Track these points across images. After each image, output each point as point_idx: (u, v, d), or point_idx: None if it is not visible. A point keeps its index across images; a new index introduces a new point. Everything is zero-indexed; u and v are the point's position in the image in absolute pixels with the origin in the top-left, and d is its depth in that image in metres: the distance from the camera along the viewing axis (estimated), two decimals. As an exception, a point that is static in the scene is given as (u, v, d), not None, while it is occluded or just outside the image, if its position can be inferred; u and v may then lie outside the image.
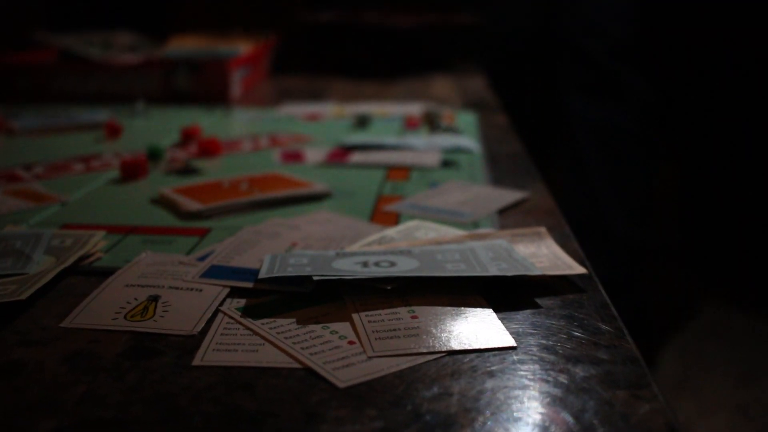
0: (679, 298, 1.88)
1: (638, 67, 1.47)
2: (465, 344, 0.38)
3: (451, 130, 0.91)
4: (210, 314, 0.42)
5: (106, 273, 0.47)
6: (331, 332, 0.39)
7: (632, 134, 1.49)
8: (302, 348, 0.38)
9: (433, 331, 0.39)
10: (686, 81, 1.70)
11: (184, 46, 1.28)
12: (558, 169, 1.58)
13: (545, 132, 1.66)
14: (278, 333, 0.39)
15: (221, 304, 0.43)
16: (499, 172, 0.75)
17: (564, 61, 1.52)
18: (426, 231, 0.54)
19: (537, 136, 1.65)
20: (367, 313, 0.41)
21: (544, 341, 0.39)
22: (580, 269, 0.48)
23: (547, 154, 1.62)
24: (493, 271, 0.45)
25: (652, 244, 1.63)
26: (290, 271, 0.44)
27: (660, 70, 1.54)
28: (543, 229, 0.53)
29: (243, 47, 1.25)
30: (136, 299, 0.43)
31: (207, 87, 1.12)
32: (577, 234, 1.44)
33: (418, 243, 0.50)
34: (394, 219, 0.59)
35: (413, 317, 0.41)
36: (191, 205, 0.59)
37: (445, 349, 0.38)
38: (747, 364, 1.64)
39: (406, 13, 1.70)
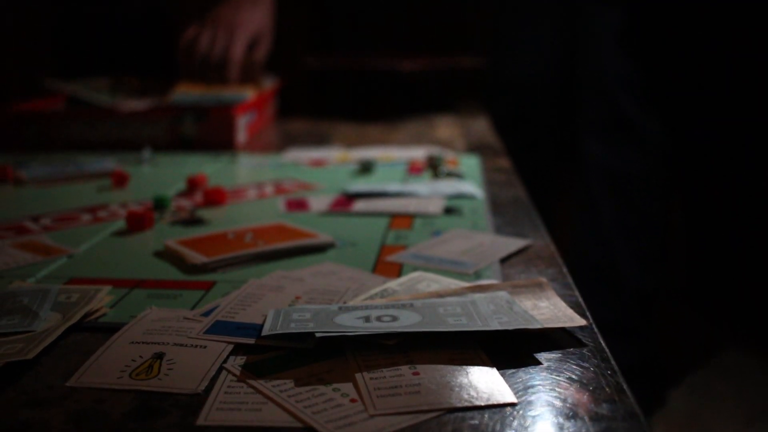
0: (690, 340, 1.88)
1: (652, 112, 1.48)
2: (466, 401, 0.39)
3: (455, 174, 0.92)
4: (214, 372, 0.42)
5: (112, 329, 0.48)
6: (333, 389, 0.40)
7: (645, 179, 1.50)
8: (305, 407, 0.38)
9: (435, 388, 0.40)
10: (699, 127, 1.71)
11: (190, 91, 1.29)
12: (570, 212, 1.58)
13: (558, 175, 1.67)
14: (281, 391, 0.40)
15: (225, 360, 0.44)
16: (502, 219, 0.76)
17: (579, 104, 1.53)
18: (428, 283, 0.54)
19: (549, 178, 1.66)
20: (369, 370, 0.41)
21: (545, 396, 0.40)
22: (581, 321, 0.48)
23: (559, 197, 1.63)
24: (494, 325, 0.45)
25: (663, 288, 1.63)
26: (293, 328, 0.45)
27: (673, 116, 1.55)
28: (544, 281, 0.54)
29: (249, 93, 1.26)
30: (141, 357, 0.44)
31: (213, 133, 1.13)
32: (587, 277, 1.45)
33: (421, 296, 0.51)
34: (397, 269, 0.59)
35: (415, 373, 0.41)
36: (196, 257, 0.60)
37: (446, 406, 0.38)
38: (757, 402, 1.63)
39: (411, 57, 1.72)
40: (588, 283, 1.50)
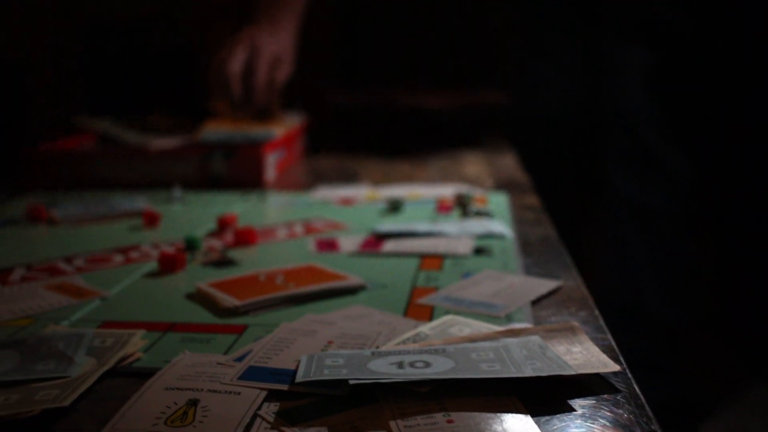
0: (721, 375, 1.86)
1: (677, 145, 1.48)
2: (501, 451, 0.38)
3: (483, 213, 0.92)
4: (248, 419, 0.42)
5: (146, 374, 0.48)
6: (367, 438, 0.40)
7: (671, 212, 1.49)
8: (339, 456, 0.38)
9: (469, 437, 0.40)
10: (724, 158, 1.70)
11: (219, 128, 1.30)
12: (596, 246, 1.58)
13: (583, 208, 1.66)
14: (316, 440, 0.40)
15: (259, 407, 0.44)
16: (532, 259, 0.76)
17: (603, 137, 1.53)
18: (460, 327, 0.54)
19: (575, 212, 1.65)
20: (403, 417, 0.41)
21: (579, 446, 0.40)
22: (614, 367, 0.48)
23: (585, 231, 1.62)
24: (527, 371, 0.45)
25: (692, 322, 1.61)
26: (327, 374, 0.45)
27: (698, 149, 1.55)
28: (576, 325, 0.53)
29: (277, 130, 1.27)
30: (175, 403, 0.44)
31: (242, 171, 1.14)
32: (614, 312, 1.44)
33: (453, 341, 0.51)
34: (429, 312, 0.59)
35: (449, 421, 0.41)
36: (229, 301, 0.61)
37: (481, 456, 0.38)
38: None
39: (436, 92, 1.73)
40: (615, 318, 1.48)
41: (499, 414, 0.42)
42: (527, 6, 1.64)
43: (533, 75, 1.65)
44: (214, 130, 1.27)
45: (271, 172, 1.18)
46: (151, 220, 0.91)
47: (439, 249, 0.77)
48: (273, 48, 1.31)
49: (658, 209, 1.50)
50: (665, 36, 1.46)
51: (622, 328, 1.46)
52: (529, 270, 0.72)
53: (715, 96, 1.59)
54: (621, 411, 0.44)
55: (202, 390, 0.46)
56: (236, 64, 1.27)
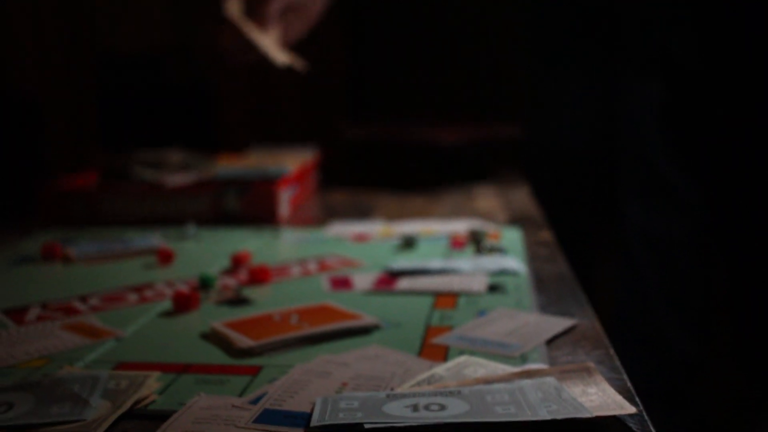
0: (738, 407, 1.84)
1: (693, 176, 1.48)
2: (517, 497, 0.38)
3: (497, 249, 0.92)
4: (263, 464, 0.42)
5: (161, 417, 0.48)
6: (383, 484, 0.40)
7: (687, 243, 1.49)
8: (355, 503, 0.38)
9: (485, 482, 0.39)
10: (740, 189, 1.70)
11: (232, 164, 1.31)
12: (611, 277, 1.57)
13: (598, 239, 1.66)
14: (331, 486, 0.40)
15: (274, 452, 0.44)
16: (546, 296, 0.76)
17: (618, 169, 1.53)
18: (475, 368, 0.54)
19: (589, 243, 1.65)
20: (418, 463, 0.41)
21: (597, 492, 0.39)
22: (630, 409, 0.48)
23: (600, 262, 1.62)
24: (542, 414, 0.45)
25: (709, 353, 1.60)
26: (342, 418, 0.45)
27: (713, 180, 1.55)
28: (591, 365, 0.53)
29: (291, 165, 1.28)
30: (190, 448, 0.44)
31: (255, 208, 1.15)
32: (630, 344, 1.43)
33: (468, 382, 0.51)
34: (443, 352, 0.59)
35: (465, 466, 0.41)
36: (243, 341, 0.61)
37: (497, 502, 0.38)
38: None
39: (449, 126, 1.73)
40: (632, 350, 1.48)
41: (515, 459, 0.42)
42: (542, 39, 1.65)
43: (548, 107, 1.66)
44: (228, 166, 1.28)
45: (284, 208, 1.19)
46: (165, 257, 0.92)
47: (453, 287, 0.77)
48: None
49: (673, 239, 1.50)
50: (678, 70, 1.46)
51: (638, 360, 1.46)
52: (544, 308, 0.72)
53: (728, 128, 1.59)
54: (638, 455, 0.43)
55: (217, 434, 0.46)
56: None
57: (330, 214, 1.23)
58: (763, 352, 1.94)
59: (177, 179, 1.21)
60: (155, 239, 1.02)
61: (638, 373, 1.45)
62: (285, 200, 1.19)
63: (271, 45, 1.18)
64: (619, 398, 0.49)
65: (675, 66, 1.47)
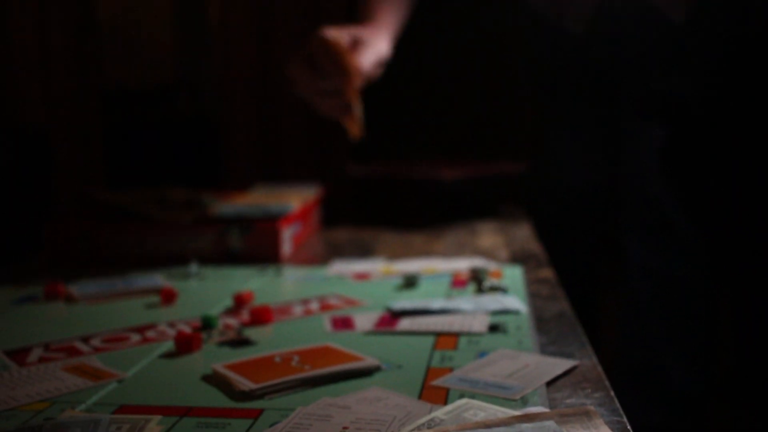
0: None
1: (695, 214, 1.48)
2: None
3: (498, 288, 0.92)
4: None
5: (162, 462, 0.48)
6: None
7: (690, 280, 1.49)
8: None
9: None
10: (742, 226, 1.70)
11: (236, 202, 1.32)
12: (612, 314, 1.57)
13: (601, 278, 1.66)
14: None
15: (274, 498, 0.44)
16: (547, 336, 0.76)
17: (621, 206, 1.53)
18: (475, 411, 0.54)
19: (591, 280, 1.65)
20: None
21: None
22: (630, 453, 0.48)
23: (602, 299, 1.62)
24: (542, 459, 0.45)
25: (712, 391, 1.60)
26: (341, 463, 0.45)
27: (715, 217, 1.55)
28: (591, 409, 0.53)
29: (294, 203, 1.28)
30: (190, 494, 0.44)
31: (258, 246, 1.15)
32: (632, 383, 1.42)
33: (468, 426, 0.51)
34: (444, 394, 0.59)
35: None
36: (244, 384, 0.61)
37: None
38: None
39: (452, 163, 1.74)
40: (633, 388, 1.47)
41: (514, 505, 0.42)
42: (546, 80, 1.66)
43: (551, 147, 1.66)
44: (230, 205, 1.29)
45: (287, 247, 1.19)
46: (168, 297, 0.92)
47: (454, 327, 0.77)
48: (380, 45, 1.24)
49: (674, 277, 1.50)
50: (680, 112, 1.47)
51: (639, 397, 1.45)
52: (545, 348, 0.72)
53: (729, 168, 1.59)
54: (637, 500, 0.43)
55: (217, 479, 0.46)
56: (341, 35, 1.18)
57: (333, 252, 1.24)
58: (765, 388, 1.93)
59: (180, 218, 1.22)
60: (158, 278, 1.03)
61: (639, 410, 1.45)
62: (288, 238, 1.19)
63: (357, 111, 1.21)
64: (619, 442, 0.49)
65: (676, 109, 1.48)
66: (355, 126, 1.21)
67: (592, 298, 1.67)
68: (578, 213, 1.63)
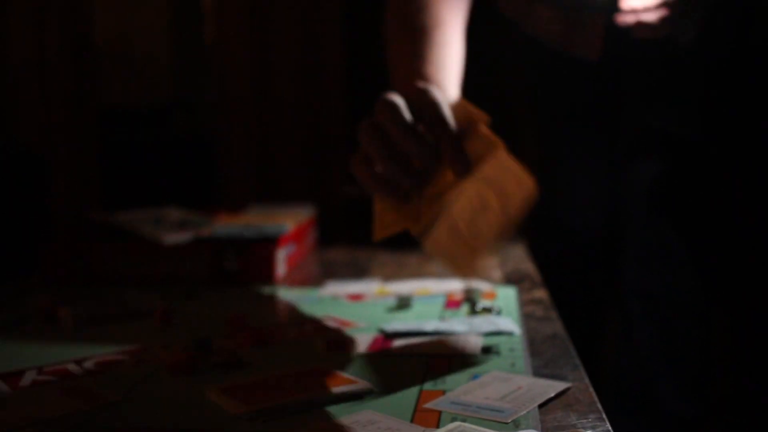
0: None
1: (691, 235, 1.48)
2: None
3: (491, 309, 0.92)
4: None
5: (154, 486, 0.49)
6: None
7: (685, 302, 1.49)
8: None
9: None
10: (739, 244, 1.71)
11: (231, 223, 1.32)
12: (607, 338, 1.57)
13: (595, 301, 1.65)
14: None
15: None
16: (540, 359, 0.76)
17: (619, 231, 1.53)
18: (467, 435, 0.55)
19: (586, 302, 1.65)
20: None
21: None
22: (620, 477, 0.48)
23: (596, 321, 1.61)
24: (533, 483, 0.45)
25: (706, 414, 1.59)
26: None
27: (710, 238, 1.55)
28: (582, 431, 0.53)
29: (289, 224, 1.28)
30: None
31: (253, 267, 1.16)
32: (623, 403, 1.41)
33: (459, 450, 0.51)
34: (436, 417, 0.59)
35: None
36: (237, 407, 0.61)
37: None
38: None
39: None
40: (626, 410, 1.47)
41: None
42: (546, 109, 1.65)
43: (551, 180, 1.65)
44: (226, 225, 1.29)
45: (282, 267, 1.19)
46: (163, 319, 0.92)
47: (448, 349, 0.77)
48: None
49: (671, 299, 1.50)
50: (678, 148, 1.48)
51: (634, 421, 1.45)
52: (538, 370, 0.72)
53: (726, 197, 1.60)
54: None
55: (208, 504, 0.46)
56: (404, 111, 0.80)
57: (327, 273, 1.24)
58: (762, 410, 1.93)
59: (175, 238, 1.22)
60: (153, 299, 1.03)
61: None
62: (282, 259, 1.20)
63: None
64: (610, 466, 0.49)
65: (674, 146, 1.48)
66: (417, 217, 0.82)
67: (590, 321, 1.66)
68: (576, 237, 1.63)
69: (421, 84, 0.84)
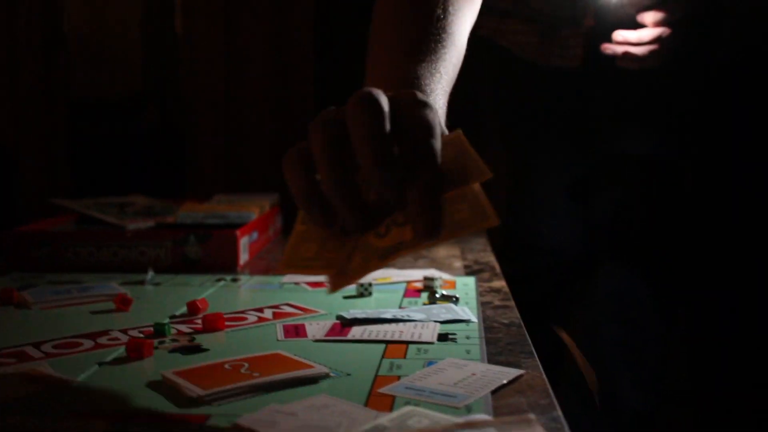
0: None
1: (659, 238, 1.51)
2: None
3: (450, 298, 0.93)
4: None
5: (107, 466, 0.49)
6: None
7: (651, 299, 1.51)
8: None
9: None
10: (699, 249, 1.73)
11: (195, 211, 1.32)
12: (570, 333, 1.58)
13: (560, 294, 1.66)
14: None
15: (215, 502, 0.44)
16: (495, 346, 0.77)
17: (597, 235, 1.55)
18: (419, 419, 0.55)
19: (551, 297, 1.66)
20: None
21: None
22: (566, 461, 0.49)
23: (560, 316, 1.63)
24: (479, 465, 0.46)
25: (664, 408, 1.62)
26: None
27: (678, 243, 1.58)
28: (533, 417, 0.54)
29: (253, 212, 1.29)
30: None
31: (216, 254, 1.16)
32: (583, 400, 1.42)
33: (410, 433, 0.52)
34: (390, 402, 0.60)
35: None
36: (192, 390, 0.61)
37: None
38: None
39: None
40: (583, 404, 1.49)
41: None
42: (517, 124, 1.65)
43: (524, 202, 1.66)
44: (190, 213, 1.29)
45: (244, 255, 1.19)
46: (123, 304, 0.92)
47: (404, 336, 0.78)
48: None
49: (636, 298, 1.51)
50: (648, 173, 1.50)
51: (591, 415, 1.46)
52: (493, 358, 0.73)
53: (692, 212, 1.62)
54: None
55: (160, 483, 0.46)
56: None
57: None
58: (721, 401, 1.96)
59: (138, 224, 1.22)
60: (113, 285, 1.03)
61: (592, 427, 1.46)
62: (245, 247, 1.20)
63: None
64: (556, 449, 0.51)
65: (645, 167, 1.50)
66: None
67: (550, 314, 1.67)
68: (551, 255, 1.63)
69: (419, 94, 0.63)
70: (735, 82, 1.46)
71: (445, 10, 0.86)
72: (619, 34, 1.25)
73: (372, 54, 0.86)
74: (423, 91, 0.74)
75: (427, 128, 0.59)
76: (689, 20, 1.28)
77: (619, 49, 1.25)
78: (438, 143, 0.59)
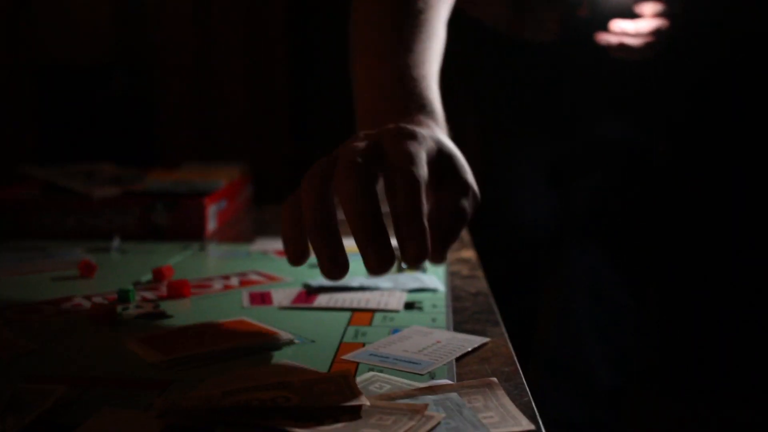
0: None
1: (632, 220, 1.51)
2: None
3: (418, 267, 0.93)
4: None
5: (66, 430, 0.48)
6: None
7: (623, 277, 1.51)
8: None
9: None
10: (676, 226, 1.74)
11: (163, 179, 1.31)
12: (543, 311, 1.58)
13: (532, 268, 1.66)
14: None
15: (173, 466, 0.44)
16: (462, 315, 0.77)
17: (566, 216, 1.55)
18: (381, 384, 0.55)
19: (523, 271, 1.66)
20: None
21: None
22: (528, 425, 0.49)
23: (532, 289, 1.63)
24: None
25: (635, 382, 1.63)
26: None
27: (653, 224, 1.58)
28: (494, 380, 0.55)
29: (223, 180, 1.28)
30: (90, 461, 0.44)
31: (183, 222, 1.15)
32: (555, 377, 1.43)
33: (371, 399, 0.52)
34: (353, 369, 0.60)
35: (359, 481, 0.42)
36: (154, 356, 0.61)
37: None
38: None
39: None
40: (554, 381, 1.50)
41: (409, 473, 0.43)
42: (491, 107, 1.64)
43: (501, 186, 1.65)
44: (158, 180, 1.28)
45: (212, 223, 1.19)
46: (87, 270, 0.91)
47: (371, 304, 0.78)
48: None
49: (611, 276, 1.52)
50: (627, 160, 1.49)
51: (563, 393, 1.47)
52: (459, 326, 0.73)
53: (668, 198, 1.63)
54: (530, 469, 0.45)
55: (117, 448, 0.46)
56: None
57: (260, 230, 1.23)
58: (691, 373, 1.98)
59: (105, 192, 1.21)
60: (78, 252, 1.02)
61: (561, 406, 1.47)
62: (213, 215, 1.19)
63: None
64: (519, 414, 0.51)
65: (618, 158, 1.50)
66: None
67: (527, 305, 1.67)
68: (524, 231, 1.63)
69: (412, 127, 0.64)
70: (713, 72, 1.47)
71: (425, 2, 0.87)
72: (617, 24, 1.23)
73: (357, 49, 0.89)
74: (416, 79, 0.79)
75: (410, 159, 0.63)
76: (688, 13, 1.27)
77: (614, 39, 1.24)
78: (422, 194, 0.64)
